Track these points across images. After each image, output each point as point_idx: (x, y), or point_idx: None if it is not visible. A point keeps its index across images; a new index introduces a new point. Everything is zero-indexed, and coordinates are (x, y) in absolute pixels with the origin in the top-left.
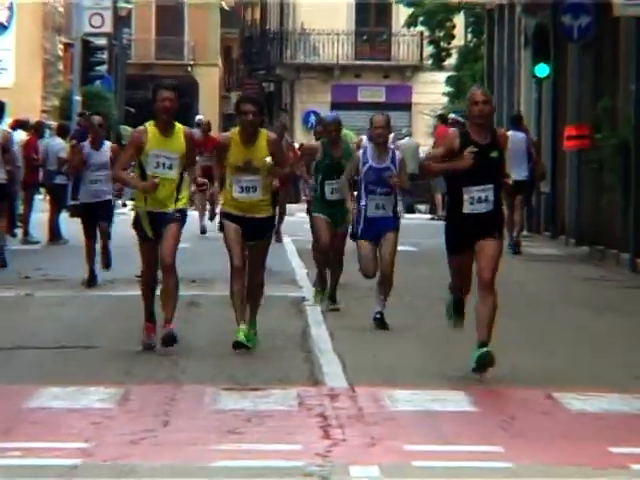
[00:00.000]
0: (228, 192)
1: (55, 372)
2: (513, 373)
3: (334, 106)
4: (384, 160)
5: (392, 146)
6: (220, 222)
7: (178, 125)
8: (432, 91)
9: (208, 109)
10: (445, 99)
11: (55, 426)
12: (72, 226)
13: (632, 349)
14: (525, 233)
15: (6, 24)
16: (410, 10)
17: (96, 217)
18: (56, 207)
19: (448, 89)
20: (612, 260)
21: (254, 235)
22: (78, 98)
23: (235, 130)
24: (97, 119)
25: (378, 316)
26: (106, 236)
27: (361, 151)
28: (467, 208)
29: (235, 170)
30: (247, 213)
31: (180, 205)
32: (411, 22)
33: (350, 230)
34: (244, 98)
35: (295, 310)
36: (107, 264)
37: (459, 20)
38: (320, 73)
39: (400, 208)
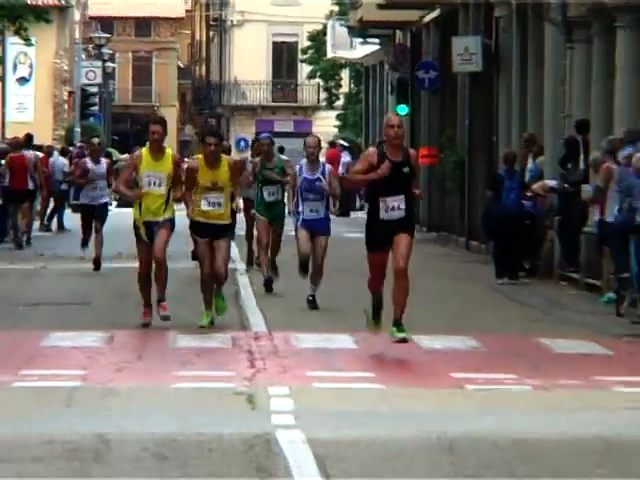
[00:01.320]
0: (197, 206)
1: (61, 321)
2: (385, 322)
3: (257, 135)
4: (315, 172)
5: (322, 159)
6: (190, 230)
7: (168, 151)
8: (326, 124)
9: (169, 137)
10: (335, 130)
11: (61, 359)
12: (74, 221)
13: (467, 304)
14: None
15: (27, 77)
16: (311, 67)
17: (93, 216)
18: (60, 206)
19: (337, 123)
20: (453, 242)
21: (217, 236)
22: (78, 129)
23: (200, 156)
24: (96, 140)
25: (310, 298)
26: (100, 233)
27: (297, 166)
28: (383, 215)
29: (204, 189)
30: (212, 220)
31: (167, 214)
32: (311, 75)
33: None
34: (208, 131)
35: (230, 278)
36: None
37: (345, 74)
38: (247, 111)
39: (336, 207)
